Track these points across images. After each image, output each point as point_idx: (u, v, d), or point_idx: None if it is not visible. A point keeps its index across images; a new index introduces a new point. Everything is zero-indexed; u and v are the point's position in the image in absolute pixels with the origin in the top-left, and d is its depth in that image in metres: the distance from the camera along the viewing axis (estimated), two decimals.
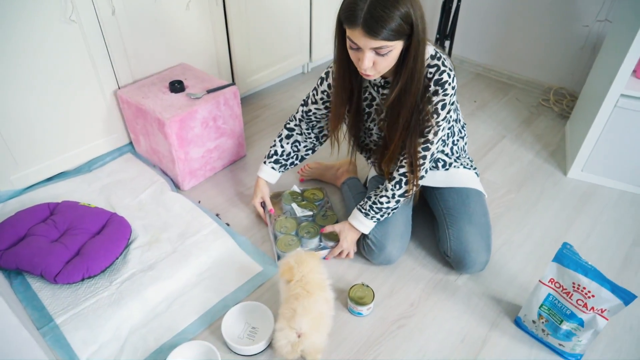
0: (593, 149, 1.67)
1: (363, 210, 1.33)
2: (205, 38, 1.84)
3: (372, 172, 1.51)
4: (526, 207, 1.64)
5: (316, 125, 1.46)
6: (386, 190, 1.29)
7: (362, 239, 1.38)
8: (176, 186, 1.69)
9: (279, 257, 1.40)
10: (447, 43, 2.23)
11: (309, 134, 1.47)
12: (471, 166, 1.48)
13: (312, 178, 1.73)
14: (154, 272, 1.33)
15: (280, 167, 1.50)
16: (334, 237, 1.41)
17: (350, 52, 1.07)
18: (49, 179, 1.65)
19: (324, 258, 1.41)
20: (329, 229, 1.41)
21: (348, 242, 1.37)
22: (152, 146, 1.67)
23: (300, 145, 1.49)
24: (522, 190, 1.71)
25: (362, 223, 1.33)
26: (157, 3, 1.61)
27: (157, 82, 1.68)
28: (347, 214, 1.49)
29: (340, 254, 1.40)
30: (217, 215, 1.57)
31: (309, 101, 1.39)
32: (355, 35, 0.99)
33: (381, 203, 1.30)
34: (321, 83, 1.33)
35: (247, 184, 1.72)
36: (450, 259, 1.35)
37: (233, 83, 1.67)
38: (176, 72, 1.75)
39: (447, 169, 1.44)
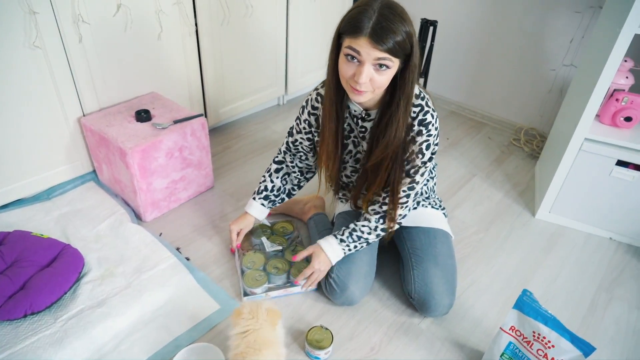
0: (560, 191, 1.68)
1: (338, 236, 1.29)
2: (177, 68, 1.83)
3: (340, 208, 1.49)
4: (494, 247, 1.62)
5: (303, 159, 1.41)
6: (369, 222, 1.27)
7: (325, 278, 1.34)
8: (138, 217, 1.63)
9: (245, 293, 1.35)
10: (421, 80, 2.26)
11: (294, 167, 1.42)
12: (440, 206, 1.47)
13: (279, 212, 1.70)
14: (104, 308, 1.26)
15: (269, 203, 1.45)
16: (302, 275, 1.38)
17: (344, 67, 1.02)
18: (4, 206, 1.58)
19: (292, 259, 1.38)
20: (302, 254, 1.35)
21: (321, 264, 1.30)
22: (114, 175, 1.62)
23: (288, 178, 1.45)
24: (491, 230, 1.70)
25: (332, 249, 1.28)
26: (126, 32, 1.60)
27: (123, 111, 1.65)
28: None
29: (311, 275, 1.33)
30: (177, 249, 1.52)
31: (294, 131, 1.36)
32: (360, 44, 0.96)
33: (362, 232, 1.27)
34: (302, 112, 1.30)
35: (212, 216, 1.68)
36: (414, 300, 1.32)
37: (202, 114, 1.65)
38: (145, 101, 1.73)
39: (415, 208, 1.43)
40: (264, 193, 1.44)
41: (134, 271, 1.39)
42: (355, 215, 1.41)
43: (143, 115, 1.59)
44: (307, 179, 1.48)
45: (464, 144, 2.24)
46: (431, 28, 2.06)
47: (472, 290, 1.44)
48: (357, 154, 1.29)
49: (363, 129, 1.22)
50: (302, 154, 1.39)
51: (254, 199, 1.45)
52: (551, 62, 2.08)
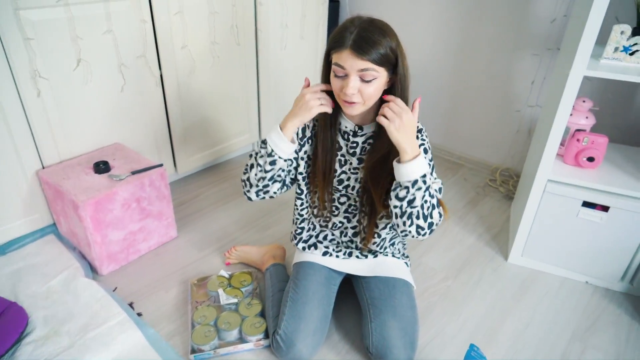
0: (529, 233, 1.63)
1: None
2: (142, 118, 1.84)
3: (297, 258, 1.44)
4: (462, 295, 1.55)
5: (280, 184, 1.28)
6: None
7: (272, 335, 1.27)
8: (94, 271, 1.59)
9: (192, 350, 1.28)
10: None
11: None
12: (402, 255, 1.42)
13: (238, 261, 1.65)
14: None
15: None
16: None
17: (334, 82, 1.08)
18: None
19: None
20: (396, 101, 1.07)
21: (404, 121, 1.05)
22: (71, 228, 1.60)
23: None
24: (460, 277, 1.63)
25: (422, 163, 1.08)
26: (87, 86, 1.62)
27: (83, 163, 1.65)
28: (266, 302, 1.39)
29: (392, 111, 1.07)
30: (130, 304, 1.47)
31: None
32: (343, 57, 1.02)
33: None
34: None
35: (172, 268, 1.63)
36: (372, 355, 1.24)
37: (161, 164, 1.64)
38: (107, 152, 1.73)
39: (375, 256, 1.38)
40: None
41: (80, 330, 1.33)
42: (317, 268, 1.36)
43: (101, 167, 1.59)
44: (288, 187, 1.30)
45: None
46: None
47: (435, 343, 1.36)
48: (341, 174, 1.26)
49: (354, 144, 1.22)
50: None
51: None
52: (516, 103, 2.09)
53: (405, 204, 1.09)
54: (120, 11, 1.60)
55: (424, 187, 1.08)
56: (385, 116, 1.06)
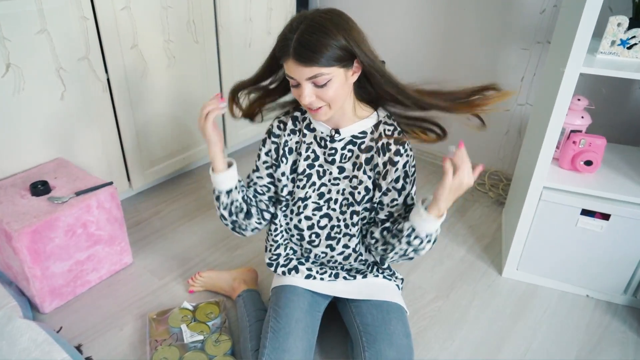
0: (525, 245, 1.58)
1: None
2: (88, 129, 1.71)
3: (277, 282, 1.35)
4: (456, 316, 1.49)
5: (259, 199, 1.27)
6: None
7: None
8: (35, 309, 1.46)
9: None
10: None
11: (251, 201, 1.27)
12: (394, 276, 1.35)
13: (204, 289, 1.55)
14: None
15: (242, 188, 1.23)
16: None
17: (294, 92, 1.06)
18: None
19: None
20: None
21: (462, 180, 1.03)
22: (5, 261, 1.46)
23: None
24: (452, 296, 1.57)
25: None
26: (20, 95, 1.48)
27: (18, 183, 1.51)
28: (242, 335, 1.30)
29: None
30: (78, 346, 1.35)
31: (251, 171, 1.28)
32: (289, 68, 1.00)
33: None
34: (263, 144, 1.23)
35: (127, 300, 1.51)
36: None
37: (110, 182, 1.52)
38: (47, 169, 1.59)
39: (365, 277, 1.31)
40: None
41: None
42: (300, 293, 1.27)
43: (40, 188, 1.46)
44: (258, 224, 1.27)
45: (423, 192, 2.14)
46: None
47: None
48: (321, 186, 1.20)
49: (332, 151, 1.16)
50: (259, 195, 1.26)
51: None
52: (505, 102, 2.05)
53: (411, 249, 1.11)
54: (55, 8, 1.47)
55: (433, 240, 1.11)
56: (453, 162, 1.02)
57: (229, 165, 1.20)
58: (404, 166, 1.11)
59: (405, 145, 1.12)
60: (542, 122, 1.48)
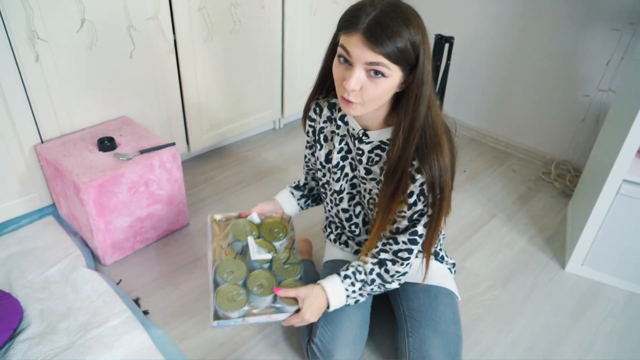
0: (594, 240, 1.50)
1: (342, 273, 1.11)
2: (153, 89, 1.74)
3: (329, 255, 1.35)
4: (512, 308, 1.45)
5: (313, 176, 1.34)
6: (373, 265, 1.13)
7: (307, 343, 1.19)
8: (97, 260, 1.53)
9: (216, 316, 1.05)
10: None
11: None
12: (445, 259, 1.32)
13: None
14: None
15: (301, 196, 1.33)
16: (292, 303, 1.09)
17: (335, 69, 0.95)
18: None
19: (282, 322, 1.10)
20: (288, 292, 1.07)
21: (312, 312, 1.07)
22: (72, 212, 1.53)
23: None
24: (509, 286, 1.52)
25: (335, 289, 1.09)
26: (92, 50, 1.52)
27: (86, 138, 1.57)
28: None
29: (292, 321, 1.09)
30: (136, 300, 1.41)
31: (305, 146, 1.29)
32: (352, 43, 0.88)
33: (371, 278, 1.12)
34: (303, 122, 1.23)
35: (183, 260, 1.56)
36: None
37: (173, 143, 1.55)
38: (113, 126, 1.64)
39: (416, 257, 1.28)
40: (295, 183, 1.35)
41: (80, 328, 1.28)
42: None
43: (106, 144, 1.51)
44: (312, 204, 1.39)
45: (483, 178, 2.08)
46: (447, 45, 1.95)
47: None
48: (353, 178, 1.17)
49: (360, 152, 1.10)
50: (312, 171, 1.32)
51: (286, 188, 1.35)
52: (585, 87, 1.92)
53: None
54: None
55: (363, 297, 1.14)
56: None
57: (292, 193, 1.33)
58: (421, 185, 1.00)
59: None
60: (628, 110, 1.37)
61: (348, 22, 0.89)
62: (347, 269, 1.12)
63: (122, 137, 1.58)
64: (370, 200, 1.15)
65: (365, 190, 1.15)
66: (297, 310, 1.08)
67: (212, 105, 1.96)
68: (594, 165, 1.67)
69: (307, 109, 1.19)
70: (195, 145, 1.99)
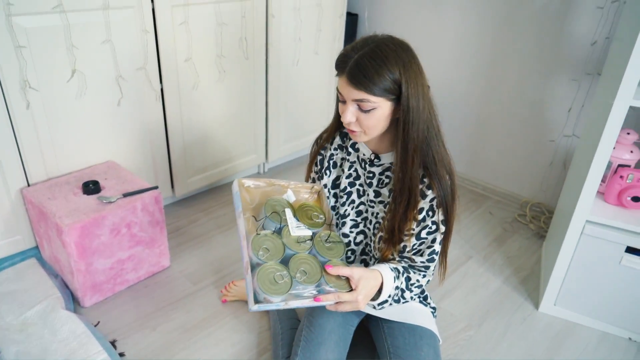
0: (564, 280, 1.54)
1: (387, 264, 1.11)
2: (139, 135, 1.82)
3: None
4: (486, 348, 1.47)
5: None
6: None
7: None
8: (77, 302, 1.54)
9: (256, 299, 0.93)
10: None
11: None
12: (428, 302, 1.35)
13: (237, 299, 1.59)
14: None
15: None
16: (343, 286, 1.01)
17: (339, 107, 1.10)
18: None
19: (325, 267, 1.01)
20: (341, 270, 1.00)
21: (365, 295, 1.02)
22: (54, 254, 1.56)
23: None
24: (484, 326, 1.55)
25: (389, 276, 1.08)
26: (81, 99, 1.60)
27: (72, 182, 1.62)
28: (274, 342, 1.32)
29: (341, 304, 1.02)
30: (112, 342, 1.41)
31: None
32: (341, 84, 1.03)
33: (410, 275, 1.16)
34: (311, 154, 1.30)
35: (162, 302, 1.58)
36: None
37: (156, 187, 1.61)
38: (98, 170, 1.70)
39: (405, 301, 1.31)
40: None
41: None
42: None
43: (91, 187, 1.56)
44: None
45: (461, 220, 2.14)
46: None
47: None
48: (360, 205, 1.23)
49: (371, 174, 1.19)
50: None
51: None
52: (551, 133, 2.03)
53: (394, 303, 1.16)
54: (120, 20, 1.59)
55: (402, 299, 1.16)
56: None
57: None
58: (431, 200, 1.08)
59: (442, 181, 1.08)
60: (588, 154, 1.46)
61: (337, 67, 1.04)
62: (398, 264, 1.15)
63: (107, 181, 1.64)
64: (377, 225, 1.20)
65: (372, 214, 1.21)
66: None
67: (197, 150, 2.03)
68: (562, 207, 1.74)
69: (326, 138, 1.26)
70: (180, 189, 2.04)
